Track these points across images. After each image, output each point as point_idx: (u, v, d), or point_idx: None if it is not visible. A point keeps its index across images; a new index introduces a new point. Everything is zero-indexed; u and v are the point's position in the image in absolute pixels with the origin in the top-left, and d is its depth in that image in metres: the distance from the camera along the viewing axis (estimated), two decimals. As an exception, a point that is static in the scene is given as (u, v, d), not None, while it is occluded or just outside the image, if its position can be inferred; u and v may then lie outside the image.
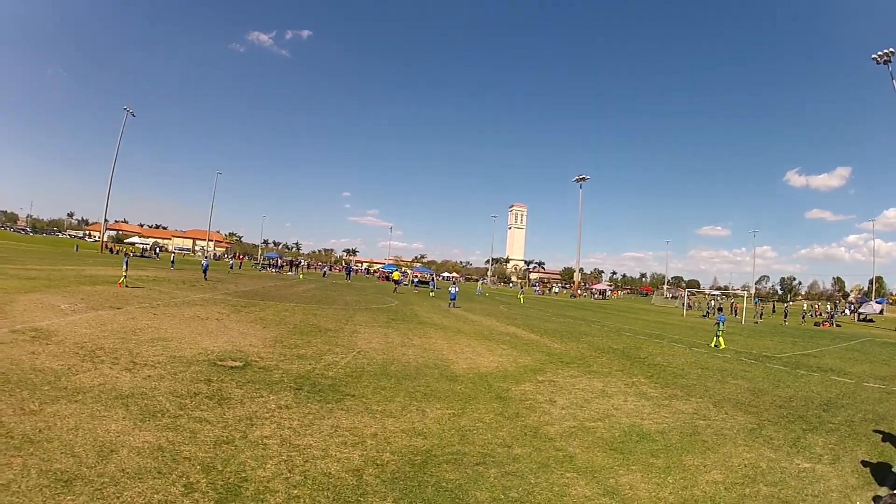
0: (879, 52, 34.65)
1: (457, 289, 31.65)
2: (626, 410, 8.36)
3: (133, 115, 65.69)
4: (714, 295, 68.34)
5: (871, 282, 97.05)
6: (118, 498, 3.89)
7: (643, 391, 10.01)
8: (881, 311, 50.74)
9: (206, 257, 56.21)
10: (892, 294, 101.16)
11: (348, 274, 66.86)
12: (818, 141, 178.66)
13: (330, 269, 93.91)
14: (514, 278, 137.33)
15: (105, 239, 66.09)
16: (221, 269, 49.20)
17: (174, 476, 4.35)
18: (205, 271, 33.09)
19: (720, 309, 30.51)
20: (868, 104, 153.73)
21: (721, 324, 19.32)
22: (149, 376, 7.54)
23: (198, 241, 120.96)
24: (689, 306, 52.65)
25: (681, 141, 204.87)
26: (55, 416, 5.40)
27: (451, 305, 28.55)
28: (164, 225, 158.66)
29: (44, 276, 20.97)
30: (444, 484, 4.82)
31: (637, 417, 7.95)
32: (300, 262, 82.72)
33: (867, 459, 6.57)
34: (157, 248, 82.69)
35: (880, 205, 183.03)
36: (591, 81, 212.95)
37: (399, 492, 4.56)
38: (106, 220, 69.75)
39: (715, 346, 18.39)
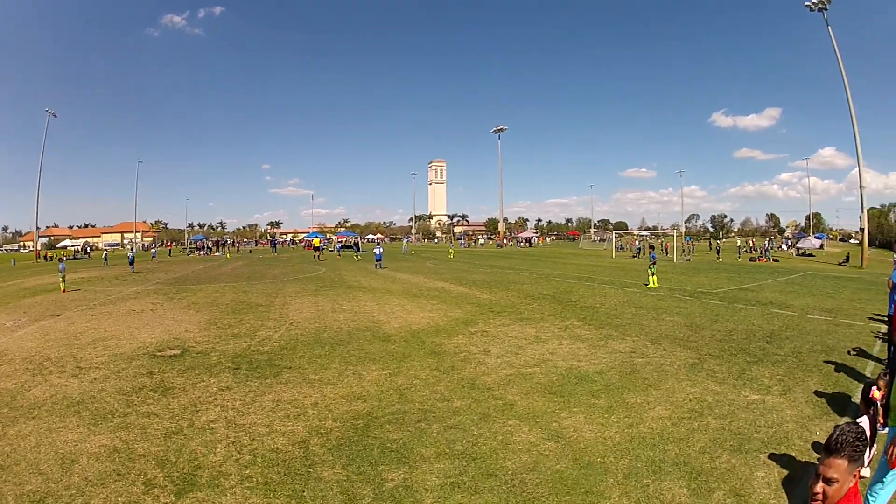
0: (813, 0, 32.68)
1: (381, 249, 31.92)
2: (561, 354, 8.64)
3: (55, 116, 60.54)
4: (644, 235, 69.67)
5: (808, 218, 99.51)
6: (87, 507, 4.03)
7: (577, 334, 10.31)
8: (821, 246, 49.42)
9: (131, 249, 54.31)
10: (831, 230, 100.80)
11: (273, 247, 65.95)
12: (744, 84, 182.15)
13: (256, 244, 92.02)
14: (438, 233, 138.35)
15: (38, 247, 61.84)
16: (148, 259, 47.31)
17: (133, 475, 4.50)
18: (131, 263, 33.20)
19: (652, 248, 31.50)
20: (798, 47, 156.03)
21: (653, 262, 19.35)
22: (95, 379, 7.58)
23: (126, 235, 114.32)
24: (621, 247, 53.16)
25: (599, 85, 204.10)
26: (17, 436, 5.43)
27: (378, 266, 28.98)
28: (92, 223, 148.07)
29: (-14, 296, 19.69)
30: (388, 444, 5.08)
31: (573, 360, 8.22)
32: (227, 242, 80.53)
33: (821, 390, 6.52)
34: (89, 248, 78.32)
35: (815, 143, 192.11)
36: (504, 32, 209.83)
37: (346, 458, 4.81)
38: (38, 228, 65.45)
39: (645, 283, 18.71)
